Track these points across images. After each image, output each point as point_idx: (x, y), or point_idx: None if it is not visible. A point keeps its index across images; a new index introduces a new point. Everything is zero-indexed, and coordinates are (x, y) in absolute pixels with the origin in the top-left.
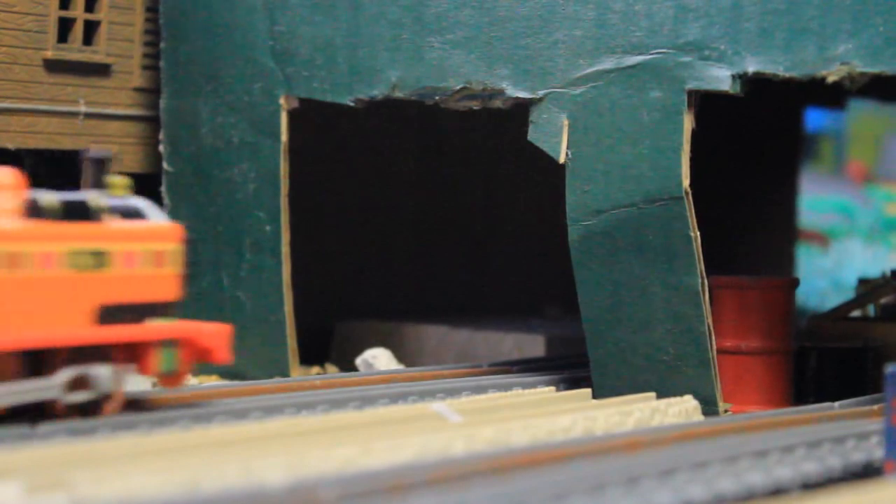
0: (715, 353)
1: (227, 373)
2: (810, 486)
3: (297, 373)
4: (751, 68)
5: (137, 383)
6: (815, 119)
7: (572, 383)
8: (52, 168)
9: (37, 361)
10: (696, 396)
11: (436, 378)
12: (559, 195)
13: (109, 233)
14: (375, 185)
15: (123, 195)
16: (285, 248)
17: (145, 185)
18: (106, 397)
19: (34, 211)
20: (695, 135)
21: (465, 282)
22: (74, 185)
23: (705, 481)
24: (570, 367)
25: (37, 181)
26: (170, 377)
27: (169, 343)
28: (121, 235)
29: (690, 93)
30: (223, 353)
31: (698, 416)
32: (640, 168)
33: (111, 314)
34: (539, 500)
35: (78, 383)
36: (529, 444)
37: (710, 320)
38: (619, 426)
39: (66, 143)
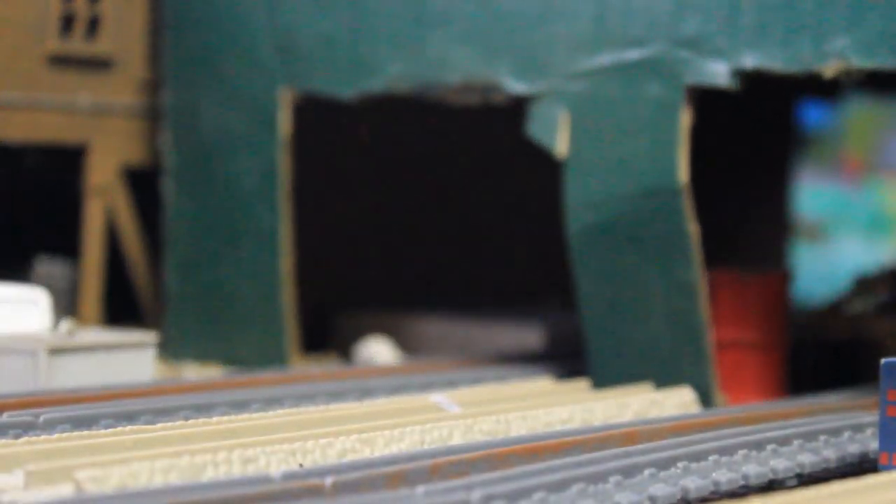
0: (712, 345)
1: (228, 364)
2: (806, 477)
3: (298, 364)
4: (748, 63)
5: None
6: (811, 113)
7: (571, 375)
8: (53, 162)
9: None
10: (694, 388)
11: (435, 370)
12: (558, 189)
13: None
14: (377, 177)
15: None
16: (286, 241)
17: (147, 178)
18: None
19: None
20: (692, 129)
21: (465, 274)
22: (76, 179)
23: (702, 472)
24: (568, 358)
25: (39, 176)
26: None
27: None
28: None
29: (688, 88)
30: None
31: (695, 408)
32: (639, 162)
33: None
34: (537, 490)
35: None
36: (528, 435)
37: (707, 313)
38: (617, 417)
39: (69, 137)
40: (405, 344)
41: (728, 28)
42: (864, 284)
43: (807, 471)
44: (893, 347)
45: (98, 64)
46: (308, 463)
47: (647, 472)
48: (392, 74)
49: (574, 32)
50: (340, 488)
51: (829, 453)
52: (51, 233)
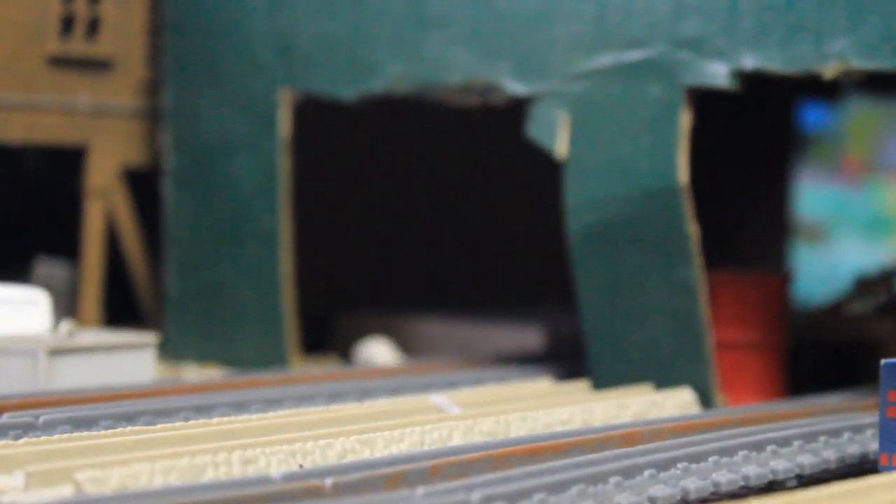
0: (712, 346)
1: (228, 365)
2: (806, 478)
3: (298, 365)
4: (748, 64)
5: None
6: (811, 114)
7: (571, 376)
8: (53, 163)
9: None
10: (694, 389)
11: (435, 371)
12: (558, 190)
13: None
14: (377, 178)
15: None
16: (286, 243)
17: (147, 179)
18: None
19: None
20: (692, 130)
21: (465, 275)
22: (76, 180)
23: (702, 473)
24: (568, 359)
25: (38, 177)
26: None
27: None
28: None
29: (688, 89)
30: None
31: (695, 409)
32: (638, 163)
33: None
34: (537, 491)
35: None
36: (528, 436)
37: (707, 314)
38: (616, 418)
39: (69, 138)
40: (405, 345)
41: (728, 29)
42: (865, 285)
43: (807, 472)
44: (893, 348)
45: (98, 65)
46: (308, 464)
47: (647, 472)
48: (392, 75)
49: (574, 33)
50: (340, 489)
51: (829, 454)
52: (51, 233)
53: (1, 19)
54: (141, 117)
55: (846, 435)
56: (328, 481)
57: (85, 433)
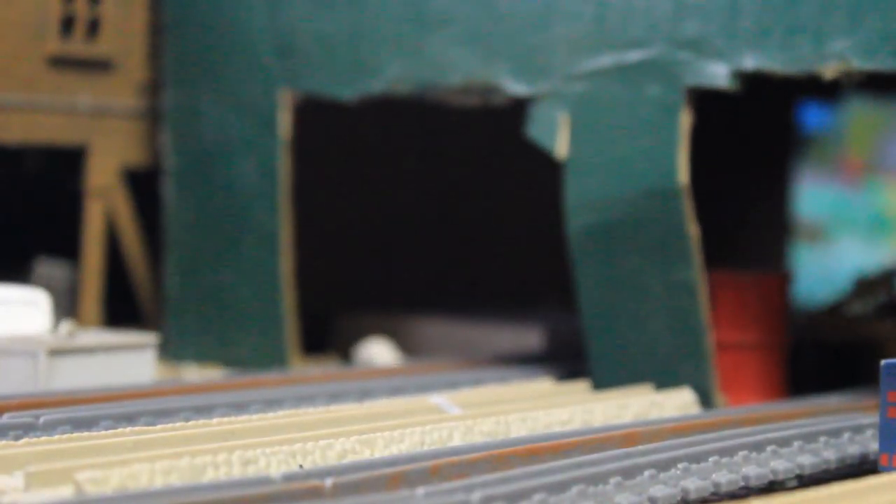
0: (712, 346)
1: (229, 365)
2: (806, 478)
3: (298, 366)
4: (748, 65)
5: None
6: (811, 114)
7: (571, 376)
8: (53, 164)
9: None
10: (694, 389)
11: (435, 371)
12: (558, 190)
13: None
14: (377, 178)
15: None
16: (286, 243)
17: (147, 179)
18: None
19: None
20: (692, 130)
21: (466, 275)
22: (76, 180)
23: (702, 473)
24: (568, 359)
25: (38, 177)
26: None
27: None
28: None
29: (688, 89)
30: None
31: (695, 409)
32: (639, 163)
33: None
34: (537, 491)
35: None
36: (528, 436)
37: (707, 315)
38: (617, 419)
39: (69, 139)
40: (405, 345)
41: (728, 29)
42: (865, 286)
43: (807, 472)
44: (893, 348)
45: (98, 65)
46: (308, 464)
47: (647, 473)
48: (392, 75)
49: (574, 34)
50: (341, 489)
51: (830, 454)
52: (51, 234)
53: (1, 19)
54: (141, 117)
55: (846, 435)
56: (328, 481)
57: (85, 433)
